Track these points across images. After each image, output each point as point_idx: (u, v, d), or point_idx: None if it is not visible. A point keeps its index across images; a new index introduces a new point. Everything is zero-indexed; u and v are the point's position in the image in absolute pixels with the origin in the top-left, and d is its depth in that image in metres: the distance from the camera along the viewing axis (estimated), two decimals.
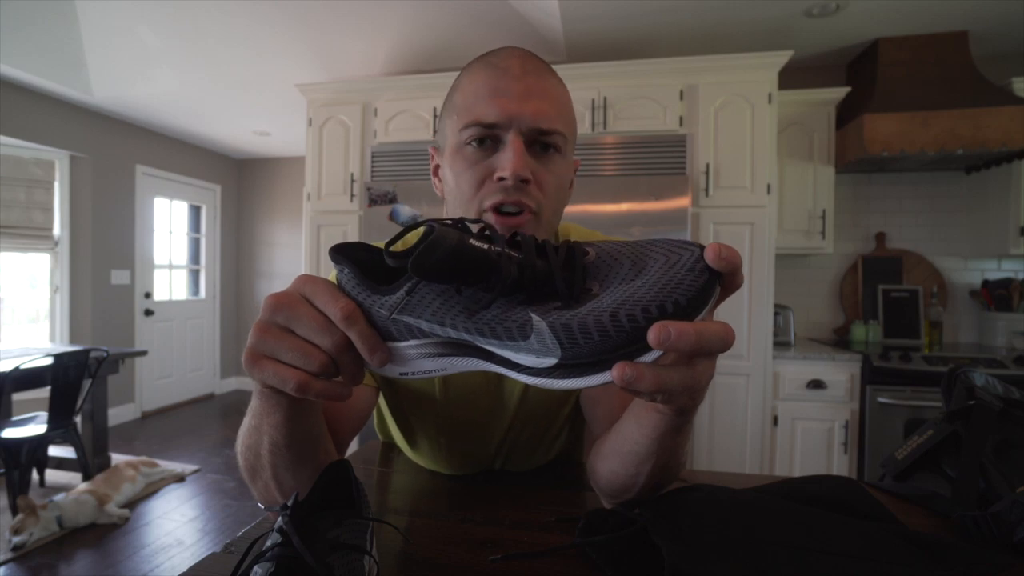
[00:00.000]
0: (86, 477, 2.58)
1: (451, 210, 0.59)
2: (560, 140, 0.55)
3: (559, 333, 0.30)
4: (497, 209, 0.53)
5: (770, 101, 2.23)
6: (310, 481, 0.46)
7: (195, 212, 4.74)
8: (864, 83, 2.53)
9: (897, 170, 2.64)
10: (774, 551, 0.44)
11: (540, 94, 0.53)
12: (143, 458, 2.82)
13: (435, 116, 2.54)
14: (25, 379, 2.30)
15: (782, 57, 2.22)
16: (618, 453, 0.49)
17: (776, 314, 2.38)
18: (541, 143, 0.54)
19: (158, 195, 4.27)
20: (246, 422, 0.48)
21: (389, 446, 0.84)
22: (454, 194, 0.57)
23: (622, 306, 0.29)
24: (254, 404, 0.45)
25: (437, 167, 0.64)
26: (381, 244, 0.38)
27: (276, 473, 0.47)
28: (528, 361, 0.32)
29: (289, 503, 0.37)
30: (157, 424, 3.93)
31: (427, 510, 0.62)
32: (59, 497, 2.25)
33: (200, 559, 0.49)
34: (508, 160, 0.51)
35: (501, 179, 0.52)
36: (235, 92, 3.33)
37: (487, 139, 0.53)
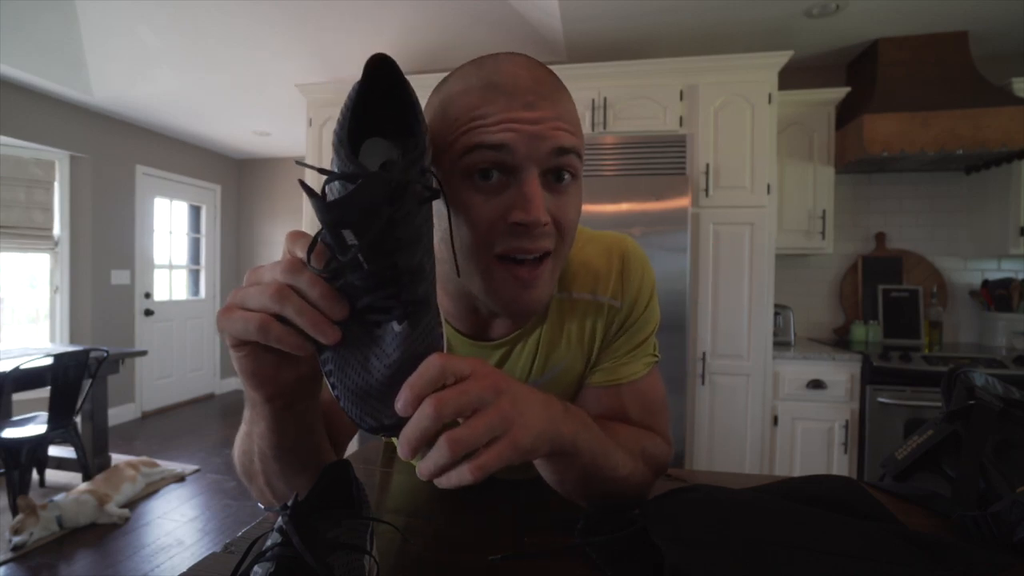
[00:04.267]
0: (86, 477, 2.58)
1: (439, 243, 0.48)
2: (576, 163, 0.48)
3: None
4: (512, 257, 0.46)
5: (770, 101, 2.23)
6: (304, 489, 0.44)
7: (195, 212, 4.73)
8: (864, 83, 2.53)
9: (897, 170, 2.64)
10: (774, 551, 0.44)
11: (552, 114, 0.45)
12: (143, 458, 2.82)
13: None
14: (25, 379, 2.30)
15: (782, 57, 2.22)
16: (547, 481, 0.53)
17: (776, 314, 2.38)
18: (556, 173, 0.47)
19: (158, 195, 4.27)
20: (241, 428, 0.49)
21: (389, 446, 0.84)
22: (450, 224, 0.45)
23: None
24: (245, 411, 0.45)
25: None
26: None
27: (268, 480, 0.48)
28: None
29: (289, 503, 0.37)
30: (157, 424, 3.93)
31: (427, 510, 0.62)
32: (59, 497, 2.24)
33: (200, 559, 0.49)
34: (526, 202, 0.44)
35: (517, 224, 0.44)
36: (235, 92, 3.33)
37: (493, 172, 0.45)
